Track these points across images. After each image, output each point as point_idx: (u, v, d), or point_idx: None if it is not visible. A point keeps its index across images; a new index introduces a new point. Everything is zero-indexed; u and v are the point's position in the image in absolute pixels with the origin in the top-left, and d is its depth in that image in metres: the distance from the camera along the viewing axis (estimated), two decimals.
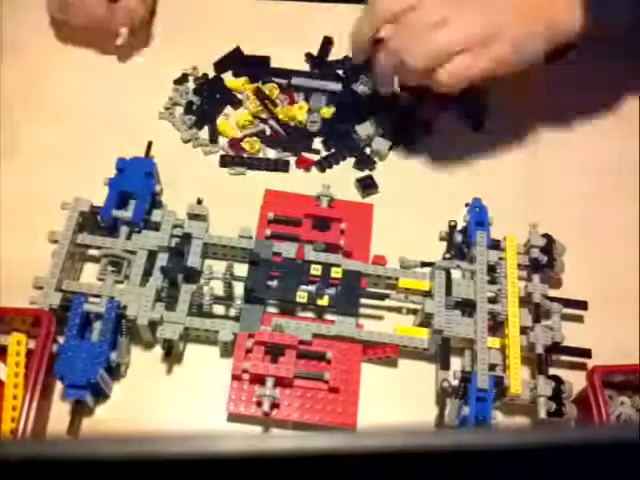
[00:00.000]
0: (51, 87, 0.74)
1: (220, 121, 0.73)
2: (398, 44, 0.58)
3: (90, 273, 0.63)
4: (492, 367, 0.57)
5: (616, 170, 0.73)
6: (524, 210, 0.69)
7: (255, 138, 0.71)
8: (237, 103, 0.74)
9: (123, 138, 0.70)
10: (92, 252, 0.63)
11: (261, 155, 0.71)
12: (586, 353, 0.60)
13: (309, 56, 0.77)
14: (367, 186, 0.69)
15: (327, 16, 0.81)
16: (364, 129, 0.71)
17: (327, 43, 0.79)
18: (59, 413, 0.56)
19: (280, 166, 0.70)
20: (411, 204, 0.69)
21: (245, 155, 0.71)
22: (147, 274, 0.60)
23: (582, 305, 0.62)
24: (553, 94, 0.77)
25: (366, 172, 0.71)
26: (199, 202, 0.63)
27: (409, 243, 0.66)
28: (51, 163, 0.69)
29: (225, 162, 0.70)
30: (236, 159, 0.70)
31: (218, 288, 0.60)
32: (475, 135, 0.74)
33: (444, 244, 0.66)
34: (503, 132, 0.74)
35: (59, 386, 0.57)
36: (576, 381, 0.58)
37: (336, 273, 0.60)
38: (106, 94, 0.74)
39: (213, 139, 0.72)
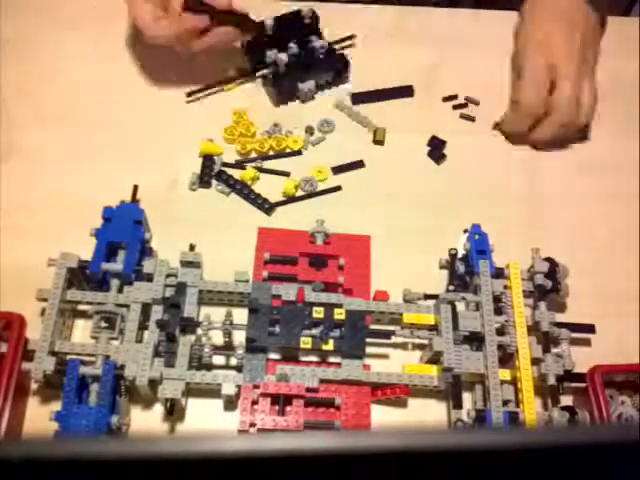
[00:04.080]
0: (51, 87, 0.73)
1: (203, 143, 0.71)
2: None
3: (82, 326, 0.61)
4: (505, 402, 0.56)
5: (616, 170, 0.73)
6: (524, 219, 0.69)
7: (255, 169, 0.70)
8: None
9: (121, 140, 0.71)
10: (83, 307, 0.61)
11: (253, 187, 0.70)
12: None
13: None
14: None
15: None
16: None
17: None
18: (34, 414, 0.56)
19: (265, 207, 0.68)
20: (408, 233, 0.68)
21: (238, 180, 0.70)
22: (142, 328, 0.58)
23: (590, 329, 0.61)
24: None
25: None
26: (192, 248, 0.60)
27: (409, 273, 0.65)
28: (51, 164, 0.69)
29: (220, 177, 0.69)
30: (229, 180, 0.69)
31: (217, 336, 0.58)
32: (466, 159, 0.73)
33: (445, 272, 0.65)
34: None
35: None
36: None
37: (339, 314, 0.58)
38: (106, 95, 0.73)
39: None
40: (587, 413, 0.56)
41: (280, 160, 0.72)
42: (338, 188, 0.70)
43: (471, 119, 0.75)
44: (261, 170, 0.71)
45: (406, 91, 0.77)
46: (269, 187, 0.70)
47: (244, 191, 0.69)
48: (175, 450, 0.26)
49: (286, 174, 0.70)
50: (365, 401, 0.57)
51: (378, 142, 0.73)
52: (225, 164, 0.71)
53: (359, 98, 0.76)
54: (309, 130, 0.73)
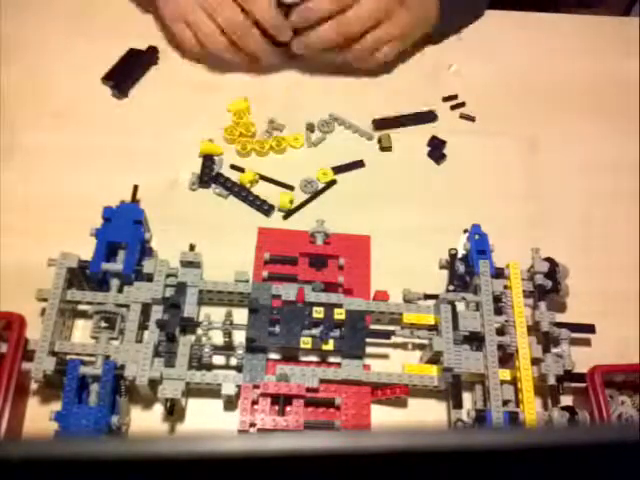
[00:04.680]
0: (51, 87, 0.74)
1: (203, 143, 0.71)
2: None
3: (82, 326, 0.61)
4: (505, 402, 0.56)
5: (616, 170, 0.73)
6: (524, 219, 0.69)
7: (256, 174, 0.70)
8: None
9: (121, 140, 0.71)
10: (83, 307, 0.61)
11: (252, 189, 0.70)
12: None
13: None
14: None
15: None
16: None
17: None
18: (34, 414, 0.56)
19: (264, 209, 0.68)
20: (408, 233, 0.68)
21: (236, 183, 0.69)
22: (142, 328, 0.58)
23: (590, 329, 0.61)
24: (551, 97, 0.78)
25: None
26: (192, 248, 0.60)
27: (409, 273, 0.65)
28: (51, 164, 0.69)
29: (217, 180, 0.69)
30: (227, 183, 0.69)
31: (217, 336, 0.58)
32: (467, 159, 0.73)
33: (445, 272, 0.65)
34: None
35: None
36: None
37: (339, 314, 0.58)
38: (106, 95, 0.74)
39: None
40: (587, 413, 0.56)
41: (280, 159, 0.72)
42: (333, 182, 0.70)
43: (471, 119, 0.75)
44: (266, 180, 0.70)
45: (430, 116, 0.75)
46: (268, 189, 0.70)
47: (242, 193, 0.69)
48: (175, 450, 0.26)
49: (290, 187, 0.70)
50: (365, 401, 0.57)
51: (385, 149, 0.73)
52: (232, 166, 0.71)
53: (382, 124, 0.74)
54: (310, 127, 0.73)
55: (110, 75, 0.74)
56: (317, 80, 0.77)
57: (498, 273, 0.61)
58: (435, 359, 0.58)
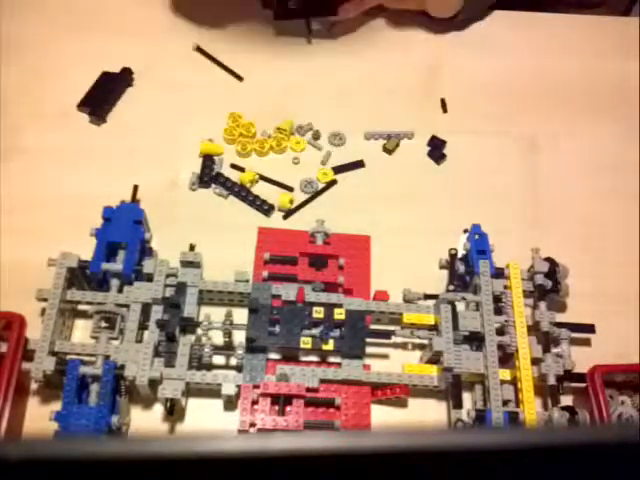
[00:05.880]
0: (51, 87, 0.74)
1: (203, 143, 0.71)
2: None
3: (82, 326, 0.61)
4: (505, 402, 0.56)
5: (616, 170, 0.73)
6: (524, 219, 0.70)
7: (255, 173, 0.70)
8: None
9: (121, 140, 0.71)
10: (83, 307, 0.61)
11: (252, 189, 0.70)
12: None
13: None
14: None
15: None
16: None
17: None
18: (34, 414, 0.56)
19: (264, 209, 0.68)
20: (408, 233, 0.68)
21: (236, 183, 0.69)
22: (142, 328, 0.58)
23: (590, 329, 0.61)
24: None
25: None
26: (192, 248, 0.61)
27: (409, 273, 0.65)
28: (51, 164, 0.69)
29: (217, 180, 0.69)
30: (227, 183, 0.69)
31: (217, 336, 0.58)
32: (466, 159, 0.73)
33: (445, 272, 0.65)
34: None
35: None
36: None
37: (339, 314, 0.58)
38: None
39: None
40: (587, 413, 0.56)
41: (280, 160, 0.72)
42: (333, 182, 0.70)
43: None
44: (266, 180, 0.70)
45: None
46: (268, 189, 0.70)
47: (242, 193, 0.69)
48: (175, 450, 0.26)
49: (290, 188, 0.70)
50: (365, 401, 0.57)
51: (387, 150, 0.73)
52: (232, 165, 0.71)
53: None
54: (316, 135, 0.73)
55: (85, 102, 0.73)
56: (318, 81, 0.77)
57: (498, 273, 0.61)
58: (435, 359, 0.58)
